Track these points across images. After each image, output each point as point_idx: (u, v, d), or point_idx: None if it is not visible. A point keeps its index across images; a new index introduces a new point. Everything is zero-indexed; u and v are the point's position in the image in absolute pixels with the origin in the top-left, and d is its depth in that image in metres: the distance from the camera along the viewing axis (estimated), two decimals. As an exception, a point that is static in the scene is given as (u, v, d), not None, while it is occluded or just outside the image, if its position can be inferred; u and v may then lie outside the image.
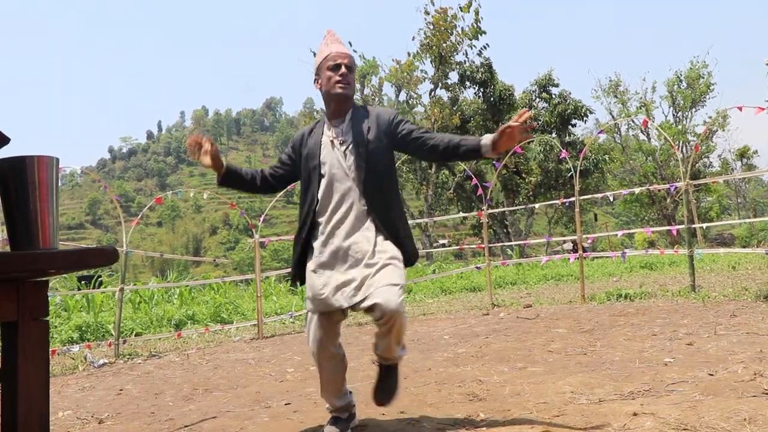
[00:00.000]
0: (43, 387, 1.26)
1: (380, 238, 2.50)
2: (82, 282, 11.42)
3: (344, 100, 2.59)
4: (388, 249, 2.48)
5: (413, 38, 28.08)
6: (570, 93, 26.61)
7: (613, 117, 32.80)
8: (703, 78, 31.82)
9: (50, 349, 5.75)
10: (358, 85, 27.51)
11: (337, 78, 2.54)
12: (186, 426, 3.09)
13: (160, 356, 6.04)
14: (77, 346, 6.36)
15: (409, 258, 2.59)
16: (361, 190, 2.51)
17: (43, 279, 1.33)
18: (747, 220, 14.78)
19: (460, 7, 25.46)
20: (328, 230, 2.52)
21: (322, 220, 2.55)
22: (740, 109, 6.82)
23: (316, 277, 2.50)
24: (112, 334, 7.08)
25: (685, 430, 2.26)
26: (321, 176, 2.56)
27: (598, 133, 12.40)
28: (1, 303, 1.24)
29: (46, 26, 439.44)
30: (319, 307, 2.48)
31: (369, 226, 2.51)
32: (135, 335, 7.60)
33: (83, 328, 7.62)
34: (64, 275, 11.31)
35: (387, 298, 2.28)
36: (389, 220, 2.54)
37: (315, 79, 2.65)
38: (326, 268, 2.49)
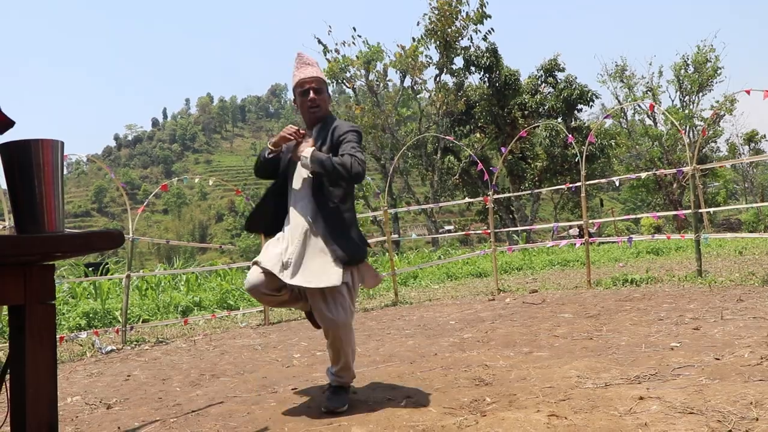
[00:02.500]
0: (50, 369, 1.27)
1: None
2: (90, 269, 11.50)
3: (315, 119, 2.99)
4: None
5: (418, 23, 27.94)
6: (576, 78, 26.29)
7: (619, 101, 32.50)
8: (711, 62, 31.37)
9: (58, 336, 5.81)
10: (363, 71, 27.41)
11: (308, 103, 2.96)
12: (193, 411, 3.12)
13: (167, 342, 6.08)
14: (85, 333, 6.40)
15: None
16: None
17: (50, 263, 1.34)
18: (754, 205, 14.69)
19: (465, -8, 25.25)
20: None
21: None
22: (748, 92, 6.74)
23: None
24: (119, 321, 7.13)
25: (691, 413, 2.26)
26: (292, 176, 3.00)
27: (604, 117, 12.36)
28: (8, 287, 1.24)
29: (46, 24, 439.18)
30: None
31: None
32: (142, 322, 7.65)
33: (91, 315, 7.69)
34: (72, 262, 11.38)
35: None
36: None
37: (293, 100, 3.07)
38: None
